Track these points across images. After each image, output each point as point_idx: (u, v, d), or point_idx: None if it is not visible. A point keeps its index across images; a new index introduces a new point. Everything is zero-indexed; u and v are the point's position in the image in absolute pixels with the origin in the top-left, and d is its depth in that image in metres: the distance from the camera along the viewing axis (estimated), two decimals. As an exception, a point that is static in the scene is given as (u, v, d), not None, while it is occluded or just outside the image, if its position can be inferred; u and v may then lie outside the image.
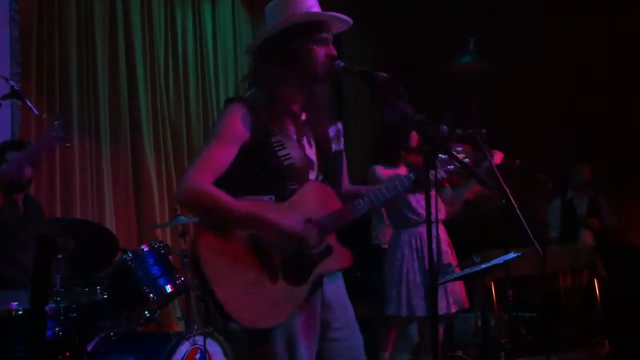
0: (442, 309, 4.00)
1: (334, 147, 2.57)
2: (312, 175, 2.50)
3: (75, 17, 5.38)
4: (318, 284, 2.40)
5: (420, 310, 3.99)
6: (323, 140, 2.54)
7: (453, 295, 4.08)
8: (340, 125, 2.64)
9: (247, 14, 7.26)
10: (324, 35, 2.45)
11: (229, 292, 2.22)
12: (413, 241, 4.12)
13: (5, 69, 4.68)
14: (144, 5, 6.01)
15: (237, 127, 2.36)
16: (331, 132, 2.57)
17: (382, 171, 4.09)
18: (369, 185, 4.14)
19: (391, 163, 4.13)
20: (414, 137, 4.17)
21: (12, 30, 4.88)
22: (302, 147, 2.48)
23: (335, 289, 2.52)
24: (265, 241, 2.31)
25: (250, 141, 2.37)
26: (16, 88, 3.69)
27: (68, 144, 4.06)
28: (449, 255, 4.15)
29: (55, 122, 3.75)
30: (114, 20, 5.74)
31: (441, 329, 4.13)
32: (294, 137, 2.47)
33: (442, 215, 4.16)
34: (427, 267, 4.03)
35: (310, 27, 2.43)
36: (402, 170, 4.17)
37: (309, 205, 2.40)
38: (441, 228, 4.18)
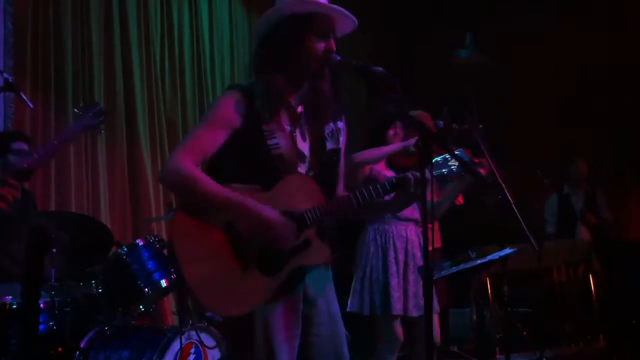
0: (397, 309, 3.95)
1: (328, 145, 2.54)
2: (302, 169, 2.48)
3: (70, 11, 5.34)
4: (294, 277, 2.39)
5: (378, 308, 3.97)
6: (318, 136, 2.52)
7: (416, 299, 3.98)
8: (340, 124, 2.61)
9: (244, 9, 7.25)
10: (324, 29, 2.42)
11: (198, 275, 2.25)
12: (379, 238, 4.07)
13: (-1, 61, 4.66)
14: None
15: (227, 113, 2.38)
16: (327, 129, 2.55)
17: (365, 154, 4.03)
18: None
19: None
20: (399, 129, 4.12)
21: (5, 23, 4.83)
22: (293, 139, 2.46)
23: (321, 286, 2.52)
24: (241, 229, 2.31)
25: (241, 128, 2.38)
26: (10, 80, 3.66)
27: (101, 132, 4.21)
28: (417, 260, 4.06)
29: (91, 111, 3.70)
30: (109, 14, 5.71)
31: (399, 329, 4.08)
32: (287, 128, 2.46)
33: (415, 214, 4.11)
34: (389, 265, 4.00)
35: (309, 19, 2.41)
36: (381, 166, 4.14)
37: (290, 197, 2.38)
38: (412, 229, 4.14)
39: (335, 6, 2.46)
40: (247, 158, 2.38)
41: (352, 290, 4.07)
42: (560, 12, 7.52)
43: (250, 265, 2.31)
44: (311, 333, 2.45)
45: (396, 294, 3.95)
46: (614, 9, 7.28)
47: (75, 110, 3.75)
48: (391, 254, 4.02)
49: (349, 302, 4.06)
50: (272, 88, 2.40)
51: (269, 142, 2.38)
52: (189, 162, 2.30)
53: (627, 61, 7.11)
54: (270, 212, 2.30)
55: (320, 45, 2.41)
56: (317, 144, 2.51)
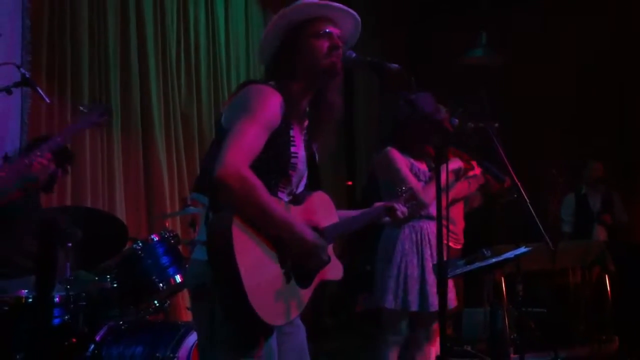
0: (433, 306, 3.91)
1: (317, 158, 2.55)
2: (303, 183, 2.48)
3: (87, 7, 5.36)
4: (317, 290, 2.43)
5: (414, 305, 3.93)
6: (311, 149, 2.50)
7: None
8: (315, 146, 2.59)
9: (260, 7, 7.27)
10: (325, 28, 2.39)
11: (255, 286, 2.13)
12: (414, 235, 4.01)
13: (16, 57, 4.67)
14: (157, -4, 6.01)
15: (273, 114, 2.27)
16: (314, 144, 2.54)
17: (397, 155, 4.01)
18: (376, 168, 4.13)
19: (408, 153, 4.05)
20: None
21: (23, 19, 4.85)
22: (305, 149, 2.44)
23: None
24: (286, 243, 2.28)
25: (276, 131, 2.29)
26: (27, 76, 3.68)
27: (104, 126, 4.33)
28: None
29: (97, 110, 3.72)
30: (125, 10, 5.73)
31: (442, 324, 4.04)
32: (303, 137, 2.44)
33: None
34: (425, 262, 3.98)
35: (305, 25, 2.39)
36: (422, 165, 4.10)
37: (315, 214, 2.42)
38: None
39: (329, 3, 2.41)
40: (267, 161, 2.28)
41: (386, 287, 3.98)
42: (562, 12, 7.53)
43: (292, 277, 2.31)
44: (281, 332, 2.41)
45: (432, 289, 3.93)
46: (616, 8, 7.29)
47: (81, 108, 3.76)
48: (427, 250, 4.00)
49: (385, 300, 3.99)
50: (297, 95, 2.37)
51: (292, 149, 2.34)
52: (244, 163, 2.15)
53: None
54: (312, 237, 2.30)
55: (324, 44, 2.37)
56: (312, 157, 2.50)
